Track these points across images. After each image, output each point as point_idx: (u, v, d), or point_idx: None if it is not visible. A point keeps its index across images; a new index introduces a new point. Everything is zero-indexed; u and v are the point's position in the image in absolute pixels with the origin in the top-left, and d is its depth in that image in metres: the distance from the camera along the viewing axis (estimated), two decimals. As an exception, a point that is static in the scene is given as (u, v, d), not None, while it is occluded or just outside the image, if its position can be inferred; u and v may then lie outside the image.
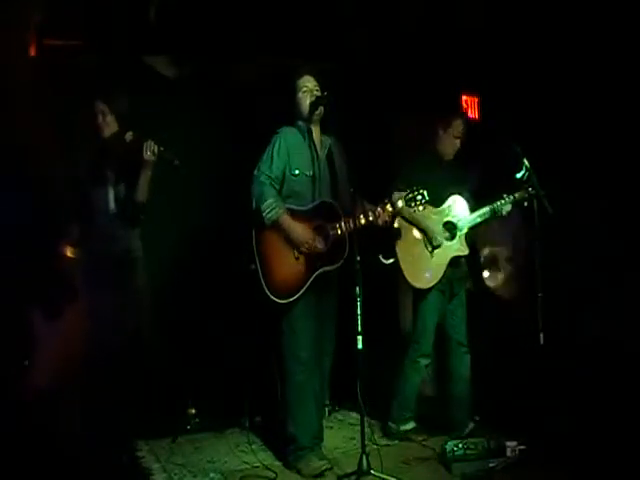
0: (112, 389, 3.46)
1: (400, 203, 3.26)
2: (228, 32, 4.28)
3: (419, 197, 3.23)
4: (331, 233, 3.25)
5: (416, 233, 3.66)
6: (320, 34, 4.33)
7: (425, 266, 3.63)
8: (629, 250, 3.68)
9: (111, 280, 3.40)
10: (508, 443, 3.26)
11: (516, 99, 4.03)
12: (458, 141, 3.69)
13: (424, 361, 3.72)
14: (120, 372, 3.51)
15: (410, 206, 3.25)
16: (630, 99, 3.65)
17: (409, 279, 3.62)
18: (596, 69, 3.79)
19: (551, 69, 4.00)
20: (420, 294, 3.69)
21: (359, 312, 3.05)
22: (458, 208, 3.69)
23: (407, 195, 3.25)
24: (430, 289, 3.63)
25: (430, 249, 3.63)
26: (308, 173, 3.32)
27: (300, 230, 3.22)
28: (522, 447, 3.25)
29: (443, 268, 3.62)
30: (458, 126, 3.67)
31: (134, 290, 3.55)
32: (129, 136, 3.39)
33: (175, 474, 3.33)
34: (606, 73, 3.77)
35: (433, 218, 3.65)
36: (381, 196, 3.34)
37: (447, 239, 3.66)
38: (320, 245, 3.26)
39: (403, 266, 3.61)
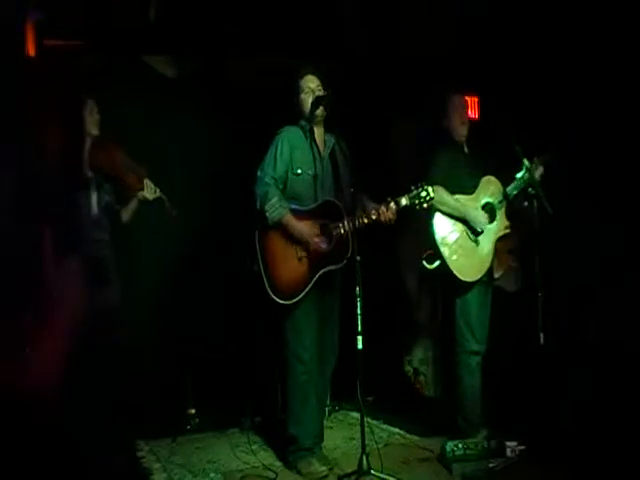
0: (110, 390, 3.47)
1: (404, 201, 3.23)
2: (228, 32, 4.28)
3: (424, 194, 3.20)
4: (334, 233, 3.24)
5: (456, 226, 3.55)
6: (320, 34, 4.33)
7: (472, 257, 3.53)
8: (629, 250, 3.68)
9: (91, 281, 3.41)
10: (508, 443, 3.26)
11: (516, 99, 4.03)
12: (465, 114, 3.64)
13: (475, 359, 3.58)
14: (117, 373, 3.52)
15: (414, 204, 3.22)
16: (630, 98, 3.65)
17: (459, 275, 3.47)
18: (596, 69, 3.79)
19: (551, 69, 4.00)
20: (461, 290, 3.57)
21: (359, 312, 3.05)
22: (492, 187, 3.61)
23: (411, 192, 3.22)
24: (474, 283, 3.53)
25: (473, 238, 3.55)
26: (310, 172, 3.31)
27: (304, 228, 3.21)
28: (522, 447, 3.26)
29: (490, 254, 3.56)
30: (455, 101, 3.65)
31: (109, 292, 3.58)
32: (121, 157, 3.50)
33: (175, 474, 3.33)
34: (605, 73, 3.77)
35: (471, 205, 3.56)
36: (381, 195, 3.34)
37: (488, 222, 3.58)
38: (323, 245, 3.26)
39: (451, 264, 3.47)
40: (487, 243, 3.57)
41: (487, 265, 3.56)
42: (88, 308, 3.39)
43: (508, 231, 3.62)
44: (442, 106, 3.69)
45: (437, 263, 3.51)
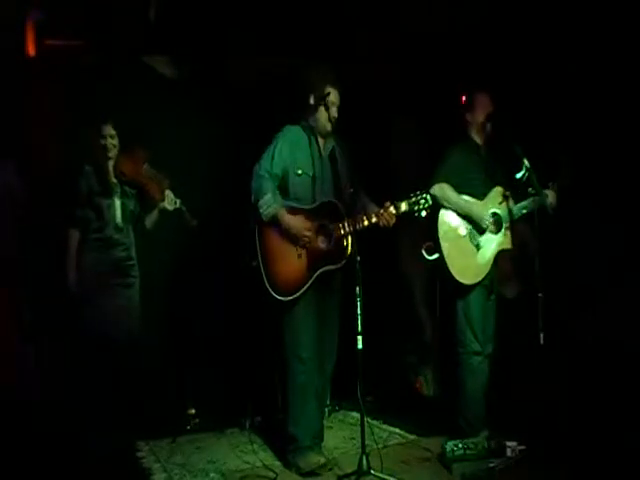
0: (113, 389, 3.47)
1: (403, 206, 3.24)
2: (228, 32, 4.28)
3: (422, 201, 3.22)
4: (334, 233, 3.24)
5: (461, 226, 3.53)
6: (321, 34, 4.33)
7: (471, 261, 3.52)
8: (629, 250, 3.68)
9: (111, 284, 3.61)
10: (508, 443, 3.25)
11: (516, 99, 4.03)
12: (490, 113, 3.58)
13: (477, 359, 3.55)
14: (120, 372, 3.53)
15: (413, 210, 3.23)
16: (630, 99, 3.65)
17: (456, 275, 3.47)
18: (596, 70, 3.79)
19: (551, 69, 4.00)
20: (462, 290, 3.54)
21: (359, 312, 3.05)
22: (501, 200, 3.58)
23: (411, 199, 3.23)
24: (474, 285, 3.52)
25: (476, 242, 3.53)
26: (310, 173, 3.32)
27: (298, 224, 3.21)
28: (522, 447, 3.25)
29: (489, 263, 3.53)
30: (483, 101, 3.59)
31: (129, 295, 3.70)
32: (146, 167, 3.69)
33: (175, 474, 3.33)
34: (605, 74, 3.77)
35: (479, 205, 3.53)
36: (381, 197, 3.34)
37: (492, 232, 3.55)
38: (323, 244, 3.26)
39: (449, 261, 3.46)
40: (488, 251, 3.55)
41: (484, 272, 3.53)
42: (109, 307, 3.55)
43: (510, 247, 3.59)
44: (466, 103, 3.65)
45: (435, 256, 3.51)
